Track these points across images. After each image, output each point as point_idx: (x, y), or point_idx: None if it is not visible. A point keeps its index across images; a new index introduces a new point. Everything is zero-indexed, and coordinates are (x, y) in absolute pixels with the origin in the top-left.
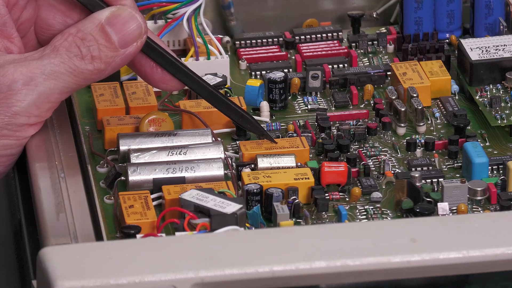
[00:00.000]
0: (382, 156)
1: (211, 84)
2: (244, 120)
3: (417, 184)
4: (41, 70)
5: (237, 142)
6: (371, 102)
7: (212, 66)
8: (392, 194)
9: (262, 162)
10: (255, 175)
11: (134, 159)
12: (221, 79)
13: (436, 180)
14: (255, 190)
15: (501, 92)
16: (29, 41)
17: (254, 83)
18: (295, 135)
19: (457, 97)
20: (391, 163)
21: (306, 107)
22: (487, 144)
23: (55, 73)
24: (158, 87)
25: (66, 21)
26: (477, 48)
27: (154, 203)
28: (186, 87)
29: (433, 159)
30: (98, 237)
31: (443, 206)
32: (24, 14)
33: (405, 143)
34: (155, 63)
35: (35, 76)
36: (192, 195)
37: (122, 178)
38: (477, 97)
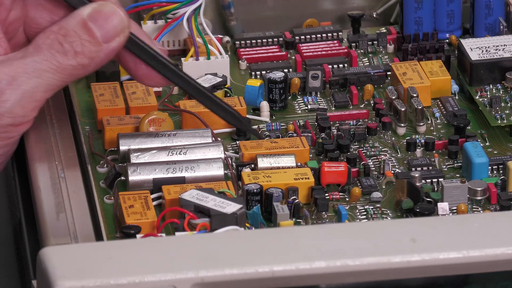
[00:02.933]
0: (382, 156)
1: (211, 84)
2: (231, 116)
3: (417, 184)
4: (24, 69)
5: (237, 142)
6: (371, 102)
7: (212, 66)
8: (392, 194)
9: (262, 162)
10: (255, 175)
11: (134, 159)
12: (221, 79)
13: (436, 180)
14: (255, 190)
15: (501, 92)
16: (19, 40)
17: (254, 83)
18: (295, 135)
19: (457, 97)
20: (391, 163)
21: (306, 107)
22: (487, 144)
23: (38, 71)
24: (143, 83)
25: (54, 18)
26: (477, 48)
27: (154, 203)
28: None
29: (433, 159)
30: (98, 237)
31: (443, 206)
32: (11, 14)
33: (405, 143)
34: (138, 59)
35: (17, 75)
36: (192, 195)
37: (122, 178)
38: (477, 97)
